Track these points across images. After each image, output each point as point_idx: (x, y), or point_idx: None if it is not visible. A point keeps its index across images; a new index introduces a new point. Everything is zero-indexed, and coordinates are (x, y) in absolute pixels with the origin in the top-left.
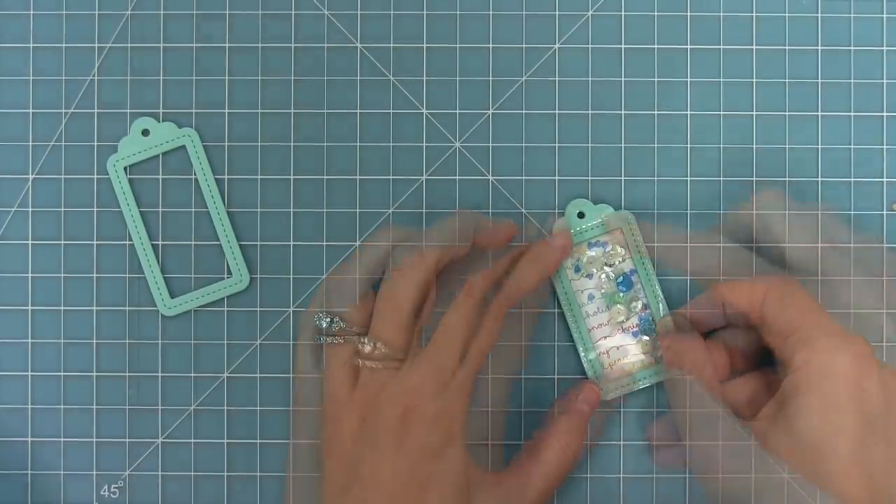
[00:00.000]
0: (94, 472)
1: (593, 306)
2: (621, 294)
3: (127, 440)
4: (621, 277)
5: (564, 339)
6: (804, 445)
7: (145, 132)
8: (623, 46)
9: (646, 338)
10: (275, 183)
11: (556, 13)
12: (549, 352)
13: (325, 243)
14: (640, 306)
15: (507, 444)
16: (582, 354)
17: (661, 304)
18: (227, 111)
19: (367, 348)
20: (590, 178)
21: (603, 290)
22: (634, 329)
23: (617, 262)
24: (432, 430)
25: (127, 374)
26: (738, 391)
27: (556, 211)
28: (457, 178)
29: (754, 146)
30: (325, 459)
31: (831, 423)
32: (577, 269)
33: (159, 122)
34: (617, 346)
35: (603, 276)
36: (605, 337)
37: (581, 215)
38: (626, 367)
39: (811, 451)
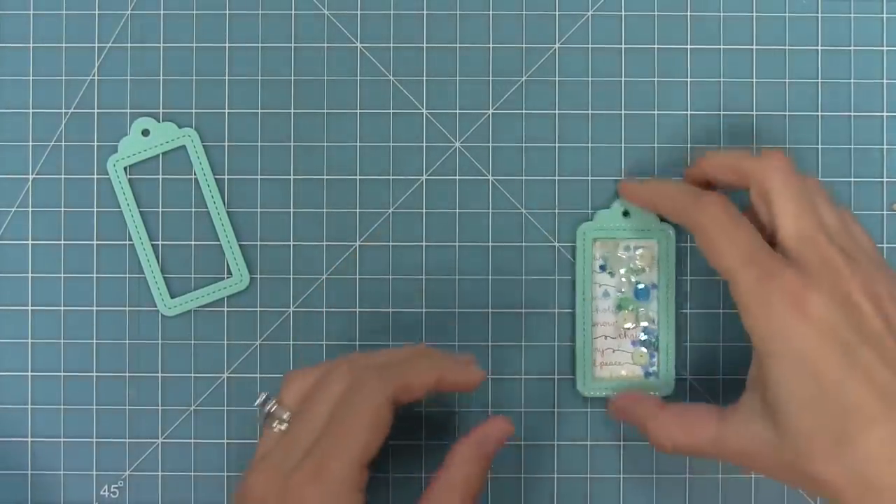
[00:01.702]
0: (94, 472)
1: (605, 303)
2: (635, 302)
3: (127, 440)
4: (641, 286)
5: (565, 339)
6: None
7: (145, 132)
8: (623, 46)
9: (644, 350)
10: (275, 183)
11: (556, 13)
12: (549, 352)
13: (325, 243)
14: (648, 320)
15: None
16: (578, 344)
17: (670, 329)
18: (227, 111)
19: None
20: (590, 178)
21: (620, 292)
22: (635, 339)
23: (643, 271)
24: None
25: (127, 374)
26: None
27: (556, 211)
28: (457, 178)
29: (754, 146)
30: None
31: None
32: (603, 266)
33: (159, 122)
34: (613, 349)
35: (624, 278)
36: (606, 336)
37: (626, 214)
38: (614, 371)
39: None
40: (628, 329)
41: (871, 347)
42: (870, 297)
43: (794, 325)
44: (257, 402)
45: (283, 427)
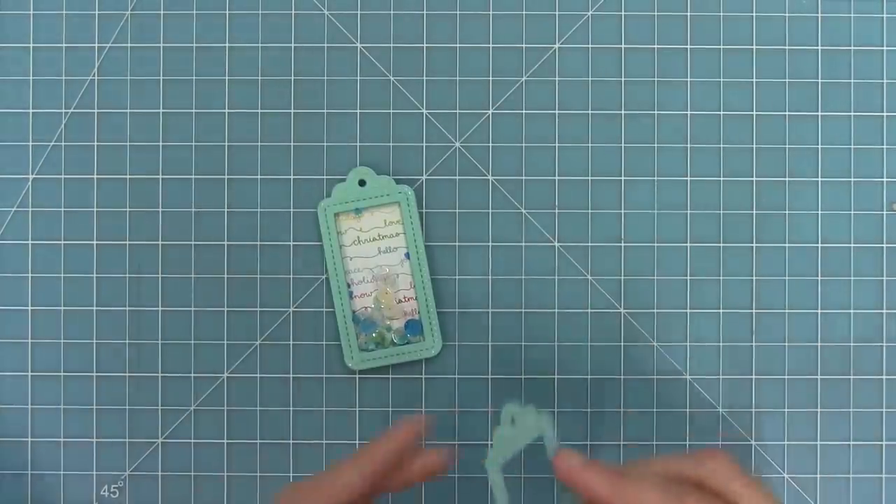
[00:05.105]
0: (94, 472)
1: (360, 275)
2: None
3: (127, 440)
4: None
5: (565, 340)
6: None
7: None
8: (623, 46)
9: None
10: (275, 183)
11: (556, 13)
12: (549, 352)
13: (325, 243)
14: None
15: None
16: (339, 318)
17: (428, 292)
18: (227, 111)
19: None
20: (590, 177)
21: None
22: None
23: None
24: None
25: (127, 375)
26: None
27: (556, 211)
28: (457, 178)
29: (754, 146)
30: None
31: None
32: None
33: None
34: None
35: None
36: (367, 308)
37: (362, 183)
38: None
39: None
40: (388, 297)
41: None
42: None
43: None
44: None
45: None
